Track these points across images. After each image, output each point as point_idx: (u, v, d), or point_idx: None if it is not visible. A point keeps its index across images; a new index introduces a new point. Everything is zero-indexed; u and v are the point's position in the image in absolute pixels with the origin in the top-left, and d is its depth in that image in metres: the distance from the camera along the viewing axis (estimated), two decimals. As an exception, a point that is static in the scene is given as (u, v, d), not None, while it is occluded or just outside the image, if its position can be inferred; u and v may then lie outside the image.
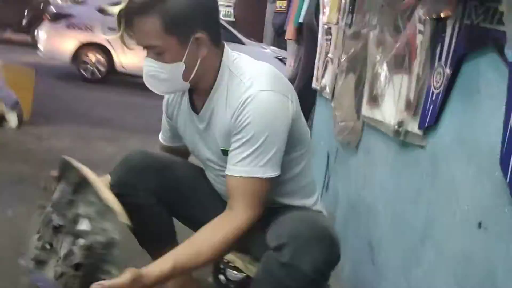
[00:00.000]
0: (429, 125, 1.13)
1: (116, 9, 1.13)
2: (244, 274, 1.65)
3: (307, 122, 2.81)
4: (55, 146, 3.47)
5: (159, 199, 1.36)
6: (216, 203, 1.38)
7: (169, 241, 1.44)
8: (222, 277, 1.70)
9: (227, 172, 1.19)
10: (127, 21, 1.14)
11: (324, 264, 1.10)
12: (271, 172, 1.16)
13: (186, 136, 1.39)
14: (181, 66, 1.17)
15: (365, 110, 1.60)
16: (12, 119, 3.81)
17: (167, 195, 1.37)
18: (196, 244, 1.17)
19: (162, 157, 1.41)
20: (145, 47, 1.18)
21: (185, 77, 1.19)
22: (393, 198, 1.36)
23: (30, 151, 3.29)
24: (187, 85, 1.23)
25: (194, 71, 1.19)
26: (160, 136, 1.52)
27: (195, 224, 1.48)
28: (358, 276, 1.41)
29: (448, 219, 1.02)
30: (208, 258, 1.17)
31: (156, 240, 1.43)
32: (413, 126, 1.21)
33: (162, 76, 1.19)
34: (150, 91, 1.26)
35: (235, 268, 1.58)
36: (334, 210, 1.88)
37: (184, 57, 1.16)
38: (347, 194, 1.85)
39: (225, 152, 1.23)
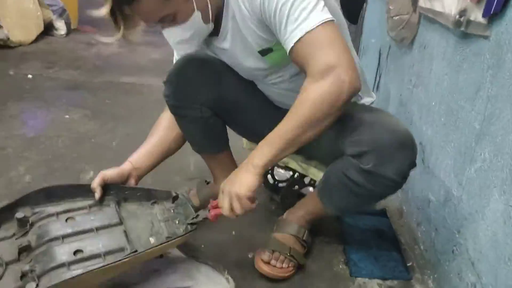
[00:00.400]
0: (495, 12, 1.02)
1: (102, 11, 1.04)
2: (291, 174, 1.69)
3: (357, 20, 2.67)
4: (103, 53, 3.51)
5: (215, 111, 1.35)
6: (270, 113, 1.36)
7: (222, 148, 1.47)
8: (269, 176, 1.75)
9: (288, 49, 1.05)
10: (124, 15, 1.05)
11: (408, 168, 1.10)
12: (326, 15, 1.01)
13: None
14: (197, 15, 1.09)
15: (423, 1, 1.47)
16: (61, 26, 3.89)
17: (222, 107, 1.35)
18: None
19: (217, 65, 1.31)
20: (156, 22, 1.10)
21: (206, 19, 1.11)
22: (449, 95, 1.29)
23: (81, 58, 3.36)
24: (212, 24, 1.15)
25: (210, 8, 1.11)
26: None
27: (249, 134, 1.51)
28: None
29: (510, 115, 0.96)
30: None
31: (208, 147, 1.46)
32: (476, 15, 1.10)
33: (187, 35, 1.12)
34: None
35: (284, 167, 1.61)
36: (385, 109, 1.82)
37: (195, 5, 1.07)
38: (399, 92, 1.77)
39: (263, 52, 1.17)
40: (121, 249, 1.10)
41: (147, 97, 2.69)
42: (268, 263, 1.30)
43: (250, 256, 1.39)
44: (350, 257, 1.40)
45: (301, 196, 1.55)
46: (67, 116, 2.28)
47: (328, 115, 1.02)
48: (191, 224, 1.21)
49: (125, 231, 1.16)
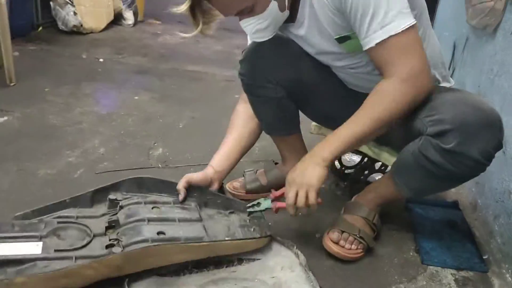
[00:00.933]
0: None
1: (181, 7, 1.07)
2: (358, 160, 1.66)
3: (431, 15, 2.60)
4: (169, 42, 3.61)
5: (289, 91, 1.35)
6: (344, 96, 1.35)
7: (293, 131, 1.47)
8: (336, 162, 1.72)
9: (367, 46, 1.07)
10: (203, 10, 1.08)
11: (493, 148, 1.06)
12: (410, 19, 1.03)
13: None
14: (275, 4, 1.09)
15: (510, -14, 1.41)
16: (129, 17, 4.03)
17: (297, 87, 1.34)
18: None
19: (294, 46, 1.30)
20: (235, 15, 1.11)
21: (282, 7, 1.11)
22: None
23: (148, 46, 3.47)
24: (287, 12, 1.15)
25: None
26: None
27: (321, 117, 1.49)
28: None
29: None
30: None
31: (279, 129, 1.46)
32: None
33: (264, 25, 1.12)
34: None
35: (354, 151, 1.58)
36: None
37: None
38: (477, 84, 1.70)
39: (340, 40, 1.15)
40: (199, 238, 1.14)
41: (211, 84, 2.73)
42: (337, 243, 1.28)
43: (317, 236, 1.37)
44: (422, 245, 1.35)
45: (368, 183, 1.52)
46: (136, 98, 2.36)
47: (400, 116, 1.09)
48: (251, 212, 1.26)
49: (204, 226, 1.20)
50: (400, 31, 1.02)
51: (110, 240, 1.09)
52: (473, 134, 1.03)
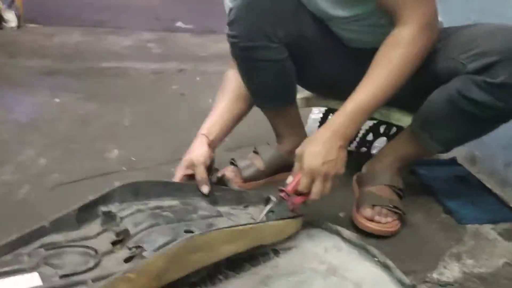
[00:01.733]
0: None
1: None
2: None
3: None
4: (68, 41, 3.17)
5: (291, 51, 1.14)
6: (345, 55, 1.20)
7: (293, 99, 1.28)
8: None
9: None
10: None
11: None
12: None
13: None
14: None
15: None
16: (11, 18, 3.46)
17: (299, 47, 1.14)
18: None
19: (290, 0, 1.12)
20: None
21: None
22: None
23: (45, 47, 2.99)
24: None
25: None
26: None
27: (320, 84, 1.31)
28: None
29: None
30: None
31: (279, 98, 1.25)
32: None
33: None
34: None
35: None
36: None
37: None
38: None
39: None
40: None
41: (139, 79, 2.42)
42: (371, 220, 1.12)
43: (341, 215, 1.21)
44: (448, 205, 1.25)
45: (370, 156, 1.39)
46: (57, 100, 1.97)
47: (413, 64, 0.99)
48: (270, 212, 1.02)
49: (229, 219, 0.99)
50: None
51: (130, 249, 0.80)
52: None
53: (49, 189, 1.24)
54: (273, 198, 1.06)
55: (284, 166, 1.36)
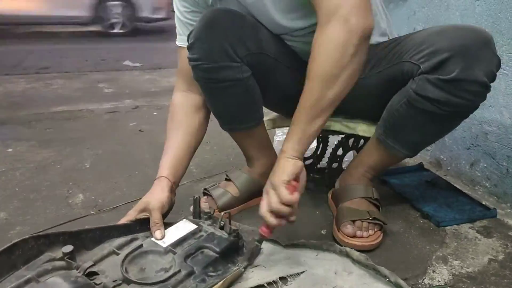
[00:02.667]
0: None
1: None
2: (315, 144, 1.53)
3: None
4: (14, 90, 3.04)
5: (253, 70, 1.12)
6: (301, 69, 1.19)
7: (260, 119, 1.25)
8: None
9: None
10: None
11: (496, 67, 0.97)
12: None
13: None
14: None
15: None
16: None
17: (260, 65, 1.12)
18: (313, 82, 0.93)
19: (247, 16, 1.11)
20: None
21: None
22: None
23: (-11, 98, 2.85)
24: None
25: None
26: (182, 39, 1.21)
27: (281, 101, 1.28)
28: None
29: None
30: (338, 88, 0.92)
31: (246, 119, 1.22)
32: None
33: None
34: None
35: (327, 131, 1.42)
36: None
37: None
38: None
39: None
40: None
41: (94, 120, 2.34)
42: (354, 236, 1.11)
43: (323, 232, 1.19)
44: (424, 210, 1.27)
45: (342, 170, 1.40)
46: (10, 150, 1.86)
47: (345, 66, 0.90)
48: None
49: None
50: None
51: None
52: (475, 56, 0.94)
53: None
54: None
55: (258, 190, 1.33)
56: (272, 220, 0.91)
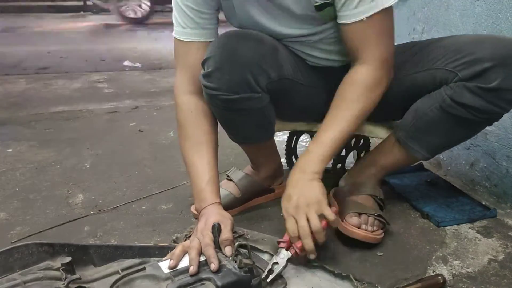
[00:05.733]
0: None
1: None
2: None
3: None
4: (13, 90, 3.04)
5: (272, 95, 1.09)
6: (318, 81, 1.20)
7: (271, 135, 1.25)
8: (293, 158, 1.57)
9: (347, 21, 1.00)
10: None
11: None
12: None
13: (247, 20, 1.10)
14: None
15: None
16: None
17: (280, 88, 1.09)
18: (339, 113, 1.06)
19: (265, 36, 1.06)
20: None
21: None
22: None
23: (-11, 98, 2.85)
24: None
25: None
26: (184, 33, 1.12)
27: (295, 113, 1.28)
28: None
29: None
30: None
31: (259, 137, 1.22)
32: None
33: None
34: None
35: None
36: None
37: None
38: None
39: (321, 7, 1.01)
40: None
41: (93, 120, 2.34)
42: (359, 227, 1.11)
43: (324, 233, 1.19)
44: (424, 210, 1.27)
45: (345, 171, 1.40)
46: (10, 150, 1.86)
47: (376, 104, 1.06)
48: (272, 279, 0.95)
49: None
50: (388, 6, 0.97)
51: None
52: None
53: (13, 243, 1.14)
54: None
55: (259, 191, 1.35)
56: (300, 247, 0.97)
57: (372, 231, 1.11)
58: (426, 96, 1.08)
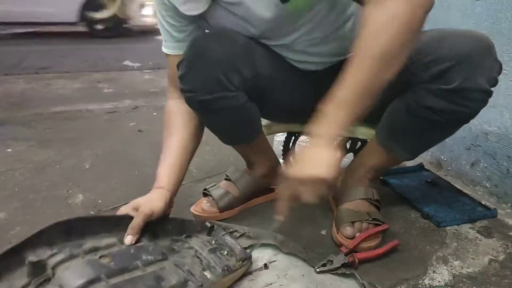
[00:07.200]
0: None
1: None
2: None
3: None
4: (13, 90, 3.04)
5: (250, 93, 1.08)
6: (299, 80, 1.18)
7: (259, 133, 1.24)
8: (291, 159, 1.57)
9: None
10: None
11: (497, 72, 0.95)
12: None
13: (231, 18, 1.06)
14: None
15: None
16: None
17: (256, 87, 1.08)
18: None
19: (240, 36, 1.05)
20: None
21: None
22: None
23: (-11, 97, 2.85)
24: None
25: None
26: (168, 46, 1.16)
27: (279, 112, 1.28)
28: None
29: None
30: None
31: (244, 137, 1.22)
32: None
33: None
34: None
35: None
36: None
37: None
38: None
39: None
40: (184, 283, 0.87)
41: (93, 120, 2.34)
42: (353, 238, 1.10)
43: (323, 233, 1.19)
44: (425, 210, 1.26)
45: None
46: (9, 150, 1.86)
47: (406, 44, 0.80)
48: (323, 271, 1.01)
49: (175, 264, 0.92)
50: None
51: None
52: (477, 64, 0.91)
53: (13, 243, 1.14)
54: (216, 226, 1.07)
55: (258, 191, 1.34)
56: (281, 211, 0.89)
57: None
58: (397, 98, 1.05)
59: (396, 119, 1.08)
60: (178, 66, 1.05)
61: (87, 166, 1.69)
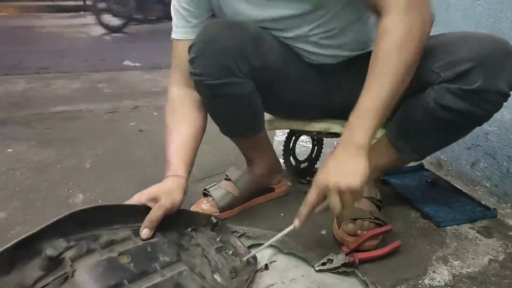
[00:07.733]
0: None
1: None
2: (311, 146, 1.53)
3: None
4: (13, 90, 3.04)
5: (257, 83, 1.10)
6: (309, 74, 1.19)
7: (262, 128, 1.26)
8: (292, 158, 1.57)
9: None
10: None
11: None
12: None
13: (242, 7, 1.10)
14: None
15: None
16: None
17: (264, 78, 1.10)
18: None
19: (251, 25, 1.08)
20: None
21: None
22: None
23: (-11, 98, 2.85)
24: None
25: None
26: (179, 32, 1.17)
27: (286, 107, 1.27)
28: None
29: None
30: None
31: (248, 129, 1.23)
32: None
33: None
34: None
35: (322, 134, 1.42)
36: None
37: None
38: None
39: None
40: None
41: (93, 120, 2.34)
42: (354, 235, 1.11)
43: (323, 233, 1.19)
44: (425, 210, 1.27)
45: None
46: (10, 150, 1.86)
47: (420, 54, 0.90)
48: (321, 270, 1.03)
49: (191, 269, 0.91)
50: None
51: None
52: (498, 66, 0.92)
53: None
54: (220, 222, 1.07)
55: (258, 191, 1.35)
56: (304, 214, 0.94)
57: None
58: (413, 97, 1.05)
59: (412, 119, 1.07)
60: (188, 50, 1.07)
61: (88, 166, 1.69)
